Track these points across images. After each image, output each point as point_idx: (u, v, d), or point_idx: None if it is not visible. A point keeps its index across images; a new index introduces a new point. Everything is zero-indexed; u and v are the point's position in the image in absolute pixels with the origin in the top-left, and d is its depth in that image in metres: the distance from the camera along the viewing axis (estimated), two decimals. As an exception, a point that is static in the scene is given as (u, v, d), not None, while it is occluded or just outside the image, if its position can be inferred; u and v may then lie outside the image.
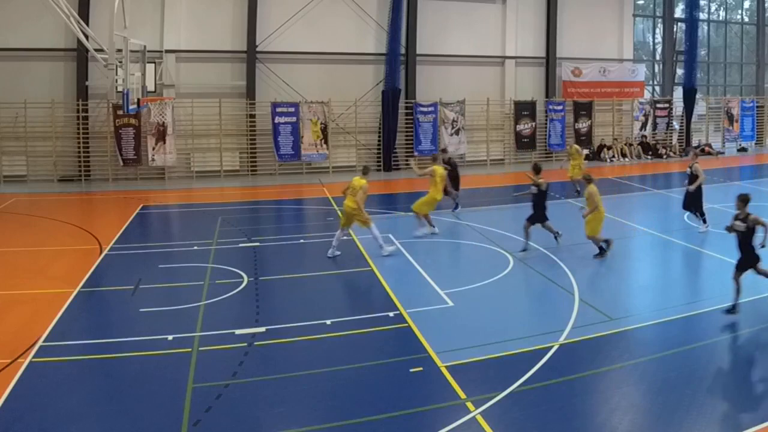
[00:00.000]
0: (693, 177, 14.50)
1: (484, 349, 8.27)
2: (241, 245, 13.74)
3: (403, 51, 25.45)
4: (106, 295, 10.90)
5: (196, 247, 13.54)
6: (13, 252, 13.42)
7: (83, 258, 12.79)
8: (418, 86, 26.02)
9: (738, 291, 9.18)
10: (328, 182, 22.29)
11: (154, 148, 22.75)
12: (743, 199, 9.35)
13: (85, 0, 21.40)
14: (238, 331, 8.94)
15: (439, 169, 14.92)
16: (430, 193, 14.70)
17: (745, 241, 9.19)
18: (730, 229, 9.39)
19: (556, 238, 13.13)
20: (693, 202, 14.58)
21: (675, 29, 31.64)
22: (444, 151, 18.31)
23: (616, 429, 6.42)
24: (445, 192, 15.46)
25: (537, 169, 13.23)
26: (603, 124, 29.20)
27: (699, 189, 14.43)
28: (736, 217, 9.33)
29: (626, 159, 28.44)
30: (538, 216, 13.01)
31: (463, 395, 7.08)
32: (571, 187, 19.57)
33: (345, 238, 13.08)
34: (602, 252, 12.42)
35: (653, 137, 30.00)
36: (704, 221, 14.37)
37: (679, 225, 15.23)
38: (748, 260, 9.24)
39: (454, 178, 16.93)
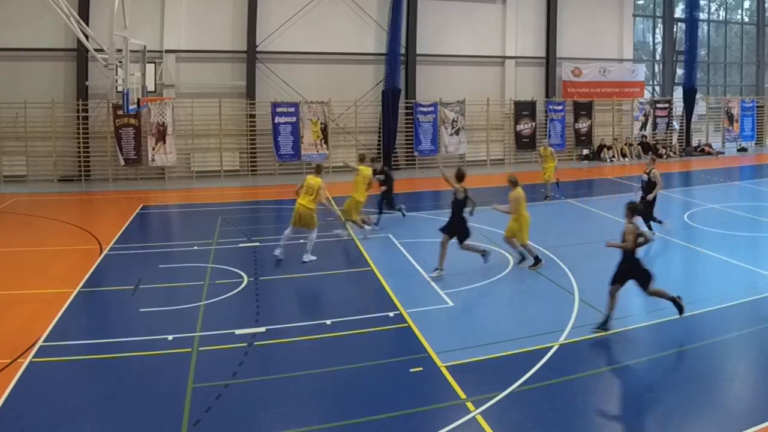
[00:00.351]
0: (651, 184, 13.73)
1: (484, 349, 8.27)
2: (241, 245, 13.74)
3: (403, 51, 25.45)
4: (106, 295, 10.90)
5: (196, 247, 13.53)
6: (13, 252, 13.42)
7: (83, 258, 12.79)
8: (418, 86, 26.02)
9: (612, 306, 8.79)
10: (328, 182, 22.26)
11: (154, 148, 22.75)
12: (629, 208, 9.04)
13: (85, 0, 21.41)
14: (238, 331, 8.94)
15: (365, 170, 14.29)
16: (352, 196, 14.24)
17: (627, 252, 8.77)
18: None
19: (483, 256, 11.68)
20: (645, 211, 13.44)
21: (675, 29, 31.63)
22: (373, 160, 16.17)
23: (616, 429, 6.42)
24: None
25: (459, 176, 11.60)
26: (603, 124, 29.20)
27: (654, 197, 13.70)
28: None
29: (626, 159, 28.43)
30: (453, 228, 11.50)
31: (463, 395, 7.08)
32: (555, 188, 19.16)
33: (294, 236, 12.69)
34: (537, 262, 11.78)
35: (653, 137, 30.00)
36: (653, 225, 13.70)
37: (679, 225, 15.22)
38: (631, 272, 8.79)
39: (387, 188, 15.66)
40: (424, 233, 14.84)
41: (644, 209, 13.41)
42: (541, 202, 17.69)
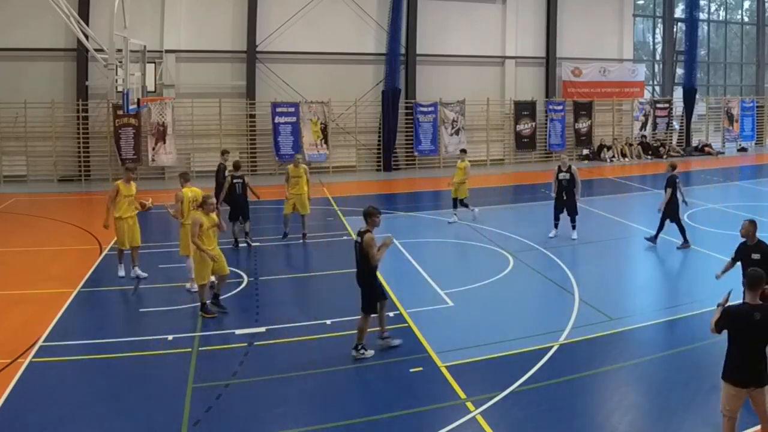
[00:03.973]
0: (573, 180, 13.59)
1: (484, 349, 8.27)
2: (241, 245, 13.72)
3: (403, 51, 25.45)
4: (106, 295, 10.89)
5: (196, 247, 13.50)
6: (13, 252, 13.41)
7: (83, 258, 12.79)
8: (418, 86, 26.01)
9: None
10: (328, 182, 22.29)
11: (154, 148, 22.74)
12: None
13: (85, 0, 21.41)
14: (238, 331, 8.95)
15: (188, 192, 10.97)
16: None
17: None
18: None
19: None
20: (571, 207, 13.68)
21: (675, 29, 31.63)
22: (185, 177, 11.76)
23: (616, 429, 6.42)
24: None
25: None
26: (603, 124, 29.19)
27: (573, 193, 13.63)
28: None
29: (626, 159, 28.42)
30: None
31: (463, 395, 7.08)
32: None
33: None
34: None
35: (653, 137, 30.00)
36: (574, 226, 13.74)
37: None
38: None
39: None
40: (424, 233, 14.85)
41: (571, 206, 13.61)
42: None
